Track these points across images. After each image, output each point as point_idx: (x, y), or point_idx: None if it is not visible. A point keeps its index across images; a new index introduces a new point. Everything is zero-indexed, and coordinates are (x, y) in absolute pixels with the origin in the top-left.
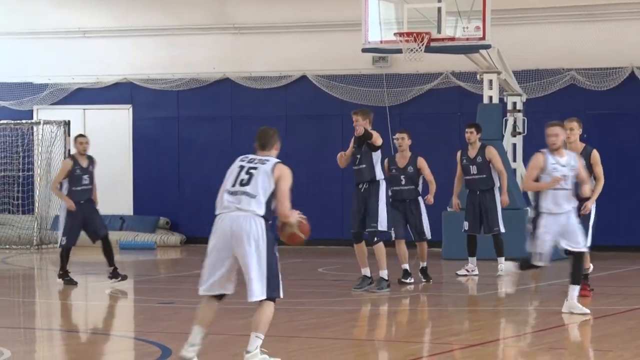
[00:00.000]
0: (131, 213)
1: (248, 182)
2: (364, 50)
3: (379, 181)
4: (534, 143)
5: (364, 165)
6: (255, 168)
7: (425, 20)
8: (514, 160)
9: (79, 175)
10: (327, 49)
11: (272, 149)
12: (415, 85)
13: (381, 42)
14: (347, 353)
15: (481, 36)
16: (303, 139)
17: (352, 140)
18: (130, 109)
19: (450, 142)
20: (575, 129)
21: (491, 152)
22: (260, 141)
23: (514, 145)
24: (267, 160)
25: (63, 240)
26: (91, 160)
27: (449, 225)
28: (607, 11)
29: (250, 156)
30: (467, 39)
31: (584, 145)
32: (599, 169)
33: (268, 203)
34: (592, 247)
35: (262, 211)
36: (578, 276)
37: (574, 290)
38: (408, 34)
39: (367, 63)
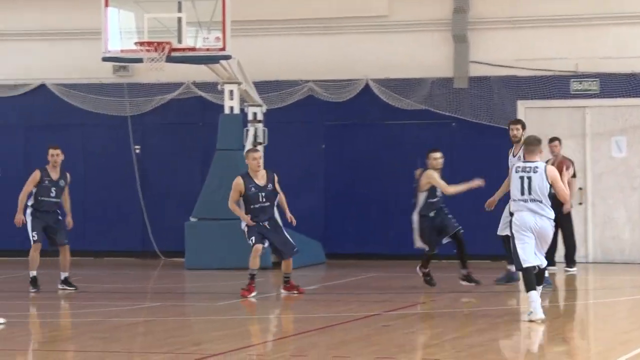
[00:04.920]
0: None
1: None
2: (105, 59)
3: None
4: (275, 153)
5: None
6: None
7: (165, 30)
8: None
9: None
10: (67, 57)
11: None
12: (156, 94)
13: (122, 51)
14: None
15: (221, 47)
16: (43, 149)
17: None
18: None
19: (192, 152)
20: None
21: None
22: None
23: None
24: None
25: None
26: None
27: (192, 235)
28: (343, 24)
29: None
30: (208, 50)
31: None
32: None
33: None
34: (330, 255)
35: None
36: None
37: None
38: (149, 44)
39: (108, 72)
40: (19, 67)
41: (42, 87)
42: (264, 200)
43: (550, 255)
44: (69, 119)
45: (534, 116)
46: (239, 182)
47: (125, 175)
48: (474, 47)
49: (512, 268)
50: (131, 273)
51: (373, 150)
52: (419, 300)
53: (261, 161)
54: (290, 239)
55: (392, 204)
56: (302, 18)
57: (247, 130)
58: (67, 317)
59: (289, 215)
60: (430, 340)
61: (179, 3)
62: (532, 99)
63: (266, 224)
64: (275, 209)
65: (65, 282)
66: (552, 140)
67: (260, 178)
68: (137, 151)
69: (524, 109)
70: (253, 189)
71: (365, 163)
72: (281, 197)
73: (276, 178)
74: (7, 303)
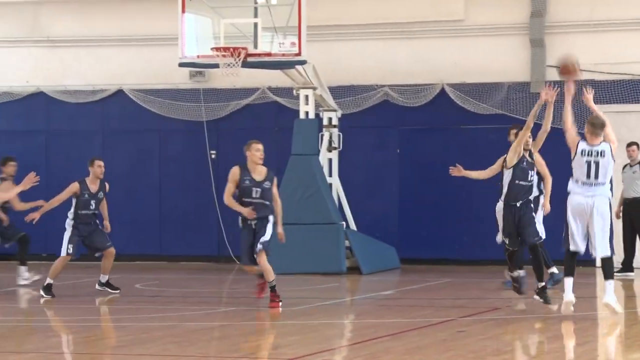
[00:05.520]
0: None
1: None
2: (181, 65)
3: None
4: (349, 158)
5: None
6: None
7: (241, 35)
8: (330, 175)
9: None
10: (144, 62)
11: None
12: (232, 100)
13: (198, 56)
14: None
15: (297, 52)
16: (120, 154)
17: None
18: None
19: (267, 157)
20: None
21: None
22: None
23: (330, 160)
24: None
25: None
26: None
27: None
28: (419, 29)
29: None
30: (283, 55)
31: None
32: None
33: None
34: (404, 260)
35: None
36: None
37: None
38: (225, 49)
39: (184, 77)
40: (97, 72)
41: (119, 92)
42: (258, 196)
43: (628, 261)
44: (146, 124)
45: (612, 120)
46: (235, 172)
47: (201, 180)
48: (551, 51)
49: (555, 269)
50: (207, 277)
51: (448, 155)
52: (495, 305)
53: (263, 155)
54: (260, 244)
55: (466, 210)
56: (377, 23)
57: (322, 135)
58: (142, 321)
59: (279, 229)
60: (506, 347)
61: (255, 9)
62: (609, 103)
63: (254, 223)
64: (272, 211)
65: (107, 284)
66: (630, 144)
67: (258, 173)
68: (213, 156)
69: (602, 113)
70: (247, 182)
71: (441, 168)
72: (277, 204)
73: (275, 181)
74: (80, 307)
